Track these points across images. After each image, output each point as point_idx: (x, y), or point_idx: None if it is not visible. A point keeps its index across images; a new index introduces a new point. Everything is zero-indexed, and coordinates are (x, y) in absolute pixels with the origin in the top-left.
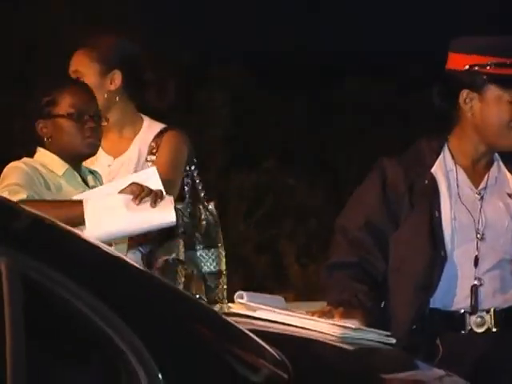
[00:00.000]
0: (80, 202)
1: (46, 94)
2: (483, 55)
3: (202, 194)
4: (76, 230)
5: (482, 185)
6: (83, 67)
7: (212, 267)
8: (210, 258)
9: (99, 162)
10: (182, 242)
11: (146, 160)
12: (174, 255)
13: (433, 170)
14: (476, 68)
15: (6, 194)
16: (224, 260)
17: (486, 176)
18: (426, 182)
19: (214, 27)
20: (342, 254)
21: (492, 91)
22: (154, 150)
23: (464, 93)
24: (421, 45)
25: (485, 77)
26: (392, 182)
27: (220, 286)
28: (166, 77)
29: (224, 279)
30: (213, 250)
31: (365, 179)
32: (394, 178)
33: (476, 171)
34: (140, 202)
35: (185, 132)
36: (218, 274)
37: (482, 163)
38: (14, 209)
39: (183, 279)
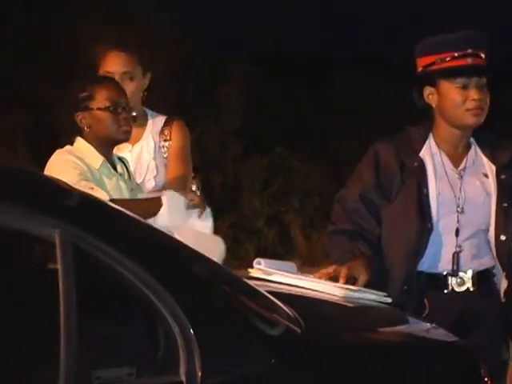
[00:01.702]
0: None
1: (82, 90)
2: (431, 54)
3: None
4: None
5: (462, 166)
6: (134, 69)
7: None
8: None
9: (120, 149)
10: None
11: (160, 147)
12: None
13: (421, 154)
14: (428, 67)
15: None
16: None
17: (465, 158)
18: (416, 164)
19: (225, 28)
20: (341, 223)
21: (443, 83)
22: (168, 137)
23: (426, 90)
24: None
25: (435, 73)
26: (385, 162)
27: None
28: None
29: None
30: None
31: (361, 160)
32: (386, 158)
33: (456, 154)
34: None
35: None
36: None
37: (460, 147)
38: (65, 188)
39: None
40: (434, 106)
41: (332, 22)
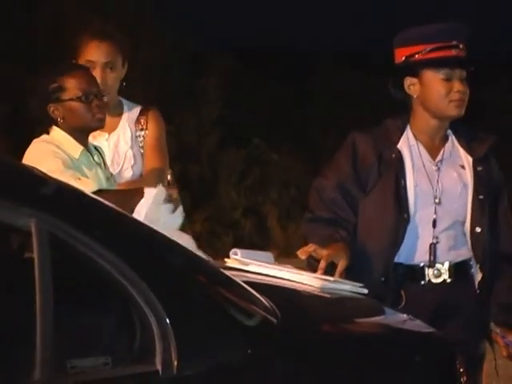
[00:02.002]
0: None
1: (53, 81)
2: (415, 45)
3: None
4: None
5: (439, 157)
6: (115, 59)
7: None
8: None
9: (96, 137)
10: None
11: (136, 136)
12: None
13: (399, 146)
14: (410, 57)
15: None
16: None
17: (442, 150)
18: (393, 155)
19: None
20: (319, 210)
21: (427, 74)
22: (144, 127)
23: (407, 80)
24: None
25: (419, 63)
26: (362, 153)
27: None
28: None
29: None
30: None
31: (339, 148)
32: (364, 149)
33: (433, 146)
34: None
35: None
36: None
37: (437, 139)
38: (41, 177)
39: None
40: (414, 96)
41: (313, 17)
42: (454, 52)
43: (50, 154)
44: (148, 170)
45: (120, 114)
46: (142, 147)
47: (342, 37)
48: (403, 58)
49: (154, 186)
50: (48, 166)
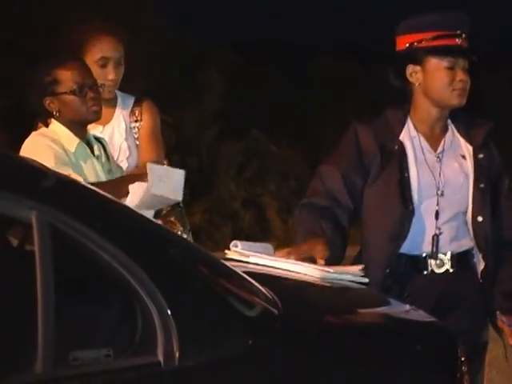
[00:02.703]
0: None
1: (48, 74)
2: (419, 32)
3: None
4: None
5: (440, 149)
6: (122, 53)
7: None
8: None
9: (91, 131)
10: None
11: (131, 128)
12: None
13: (401, 138)
14: (414, 44)
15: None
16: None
17: (443, 141)
18: (396, 147)
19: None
20: (316, 197)
21: (431, 61)
22: (139, 118)
23: (409, 68)
24: None
25: (423, 50)
26: (364, 143)
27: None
28: None
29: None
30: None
31: (342, 137)
32: (365, 139)
33: (434, 136)
34: None
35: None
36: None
37: (437, 129)
38: (42, 169)
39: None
40: (416, 84)
41: (312, 10)
42: (458, 41)
43: (44, 147)
44: (144, 162)
45: (114, 106)
46: (137, 139)
47: (342, 30)
48: (406, 45)
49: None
50: (39, 160)
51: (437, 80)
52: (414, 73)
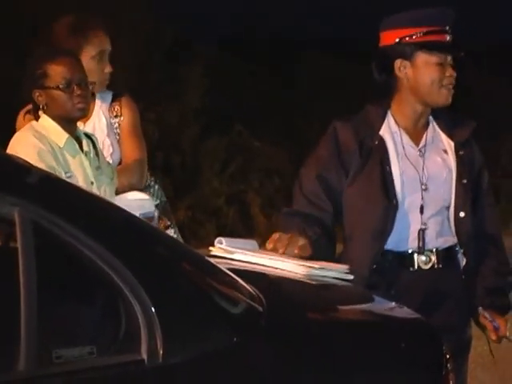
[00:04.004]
0: None
1: (38, 67)
2: (409, 27)
3: None
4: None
5: (422, 143)
6: (110, 47)
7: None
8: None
9: None
10: None
11: (111, 123)
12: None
13: (381, 133)
14: (405, 39)
15: None
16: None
17: (424, 136)
18: (376, 142)
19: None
20: (296, 204)
21: (421, 57)
22: (119, 113)
23: (398, 62)
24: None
25: (413, 45)
26: (343, 141)
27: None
28: None
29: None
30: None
31: (321, 138)
32: (345, 137)
33: (416, 132)
34: None
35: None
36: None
37: (419, 124)
38: (25, 165)
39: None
40: (404, 80)
41: (299, 7)
42: (447, 37)
43: (29, 143)
44: (129, 159)
45: (92, 102)
46: (118, 134)
47: (330, 28)
48: (396, 40)
49: (138, 175)
50: (23, 155)
51: (426, 75)
52: (402, 67)
